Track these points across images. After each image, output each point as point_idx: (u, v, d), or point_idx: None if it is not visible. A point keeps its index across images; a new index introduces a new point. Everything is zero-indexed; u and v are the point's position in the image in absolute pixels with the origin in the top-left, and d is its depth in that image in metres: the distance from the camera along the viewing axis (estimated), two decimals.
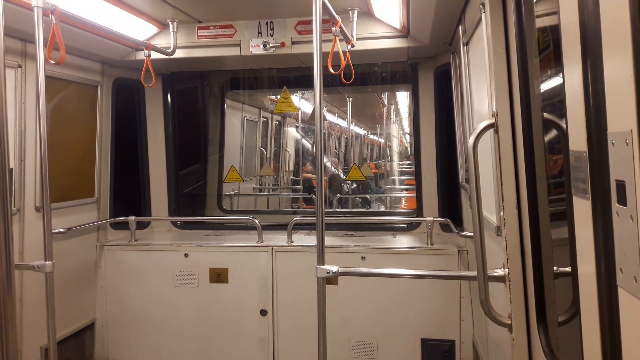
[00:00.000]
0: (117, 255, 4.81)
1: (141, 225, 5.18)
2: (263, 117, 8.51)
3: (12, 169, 3.78)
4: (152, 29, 4.41)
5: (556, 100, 1.82)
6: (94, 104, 4.76)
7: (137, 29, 4.28)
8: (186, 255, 4.64)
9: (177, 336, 4.66)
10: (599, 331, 1.25)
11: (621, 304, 1.12)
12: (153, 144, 5.31)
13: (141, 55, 4.25)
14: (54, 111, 4.26)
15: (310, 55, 2.67)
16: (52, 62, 2.83)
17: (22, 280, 3.93)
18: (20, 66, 3.83)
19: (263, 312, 4.51)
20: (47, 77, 2.92)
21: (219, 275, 4.59)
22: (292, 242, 4.58)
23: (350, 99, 8.87)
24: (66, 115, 4.47)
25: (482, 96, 2.67)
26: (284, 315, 4.50)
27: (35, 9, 2.73)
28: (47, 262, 2.84)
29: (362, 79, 5.76)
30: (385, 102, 10.58)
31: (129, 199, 5.28)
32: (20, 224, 3.94)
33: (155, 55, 4.16)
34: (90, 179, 4.81)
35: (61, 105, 4.38)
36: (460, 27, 3.30)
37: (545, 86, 1.97)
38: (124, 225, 4.94)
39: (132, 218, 4.89)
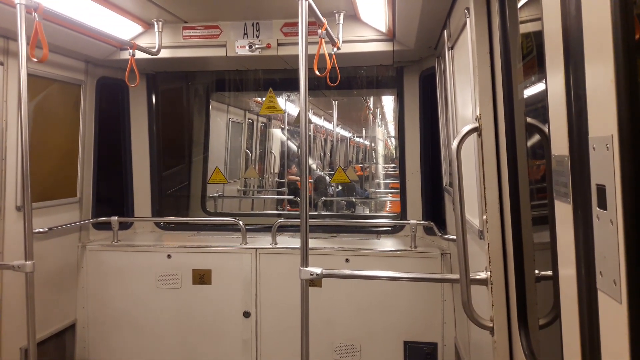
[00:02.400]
0: (99, 256, 4.76)
1: (124, 226, 5.13)
2: (248, 119, 8.49)
3: None
4: (137, 28, 4.38)
5: (539, 105, 1.84)
6: (77, 103, 4.71)
7: (122, 28, 4.24)
8: (169, 256, 4.61)
9: (159, 338, 4.62)
10: (579, 334, 1.27)
11: (601, 307, 1.13)
12: (136, 144, 5.27)
13: (126, 55, 4.21)
14: (36, 110, 4.20)
15: (296, 57, 2.67)
16: (35, 60, 2.79)
17: (2, 280, 3.87)
18: (2, 64, 3.77)
19: (246, 314, 4.49)
20: (30, 75, 2.88)
21: (202, 277, 4.56)
22: (276, 244, 4.57)
23: (336, 102, 8.89)
24: (49, 114, 4.41)
25: (466, 100, 2.70)
26: (267, 317, 4.49)
27: (18, 6, 2.70)
28: (28, 262, 2.81)
29: (348, 82, 5.78)
30: (371, 106, 10.62)
31: (111, 199, 5.23)
32: (1, 223, 3.88)
33: (139, 54, 4.13)
34: (72, 178, 4.75)
35: (44, 103, 4.32)
36: (445, 31, 3.33)
37: (529, 91, 1.99)
38: (107, 226, 4.89)
39: (114, 218, 4.84)
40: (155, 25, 4.26)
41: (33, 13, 2.76)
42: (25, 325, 2.87)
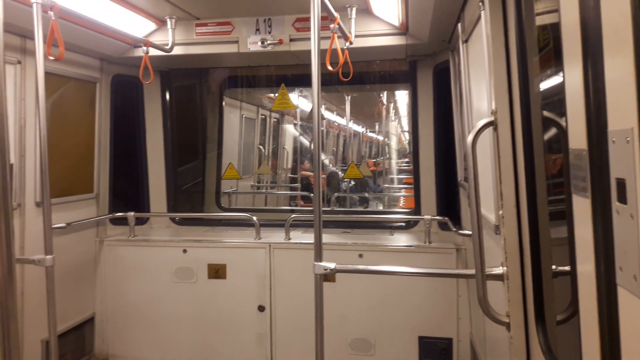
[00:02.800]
0: (116, 251, 4.81)
1: (140, 221, 5.18)
2: (261, 115, 8.51)
3: (12, 164, 3.78)
4: (151, 25, 4.40)
5: (556, 98, 1.82)
6: (92, 100, 4.76)
7: (136, 25, 4.26)
8: (185, 251, 4.65)
9: (175, 331, 4.67)
10: (598, 330, 1.25)
11: (620, 303, 1.12)
12: (151, 141, 5.31)
13: (139, 52, 4.24)
14: (53, 107, 4.25)
15: (308, 52, 2.65)
16: (52, 58, 2.82)
17: (23, 274, 3.94)
18: (19, 62, 3.82)
19: (261, 308, 4.52)
20: (47, 73, 2.92)
21: (217, 271, 4.59)
22: (289, 239, 4.59)
23: (349, 96, 8.87)
24: (65, 112, 4.46)
25: (481, 94, 2.67)
26: (282, 312, 4.51)
27: (34, 5, 2.73)
28: (48, 257, 2.86)
29: (361, 77, 5.75)
30: (384, 100, 10.58)
31: (127, 195, 5.29)
32: (21, 218, 3.94)
33: (153, 52, 4.15)
34: (89, 174, 4.81)
35: (60, 101, 4.37)
36: (459, 24, 3.30)
37: (545, 84, 1.96)
38: (123, 221, 4.94)
39: (131, 214, 4.89)
40: (169, 23, 4.28)
41: (49, 12, 2.79)
42: (46, 318, 2.92)
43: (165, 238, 4.84)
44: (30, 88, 3.92)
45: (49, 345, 2.97)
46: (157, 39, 4.40)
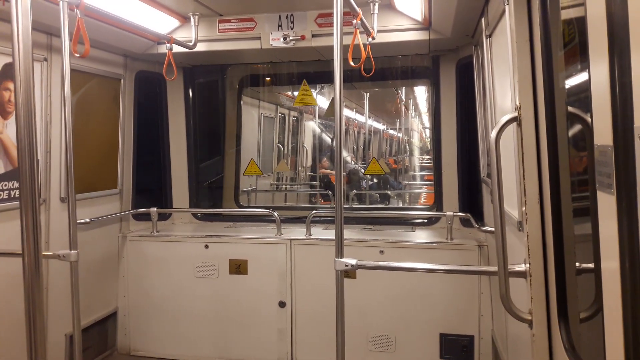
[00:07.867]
0: (139, 246, 4.88)
1: (162, 217, 5.24)
2: (280, 113, 8.53)
3: (38, 160, 3.85)
4: (174, 22, 4.45)
5: (581, 94, 1.79)
6: (117, 96, 4.82)
7: (159, 22, 4.31)
8: (206, 246, 4.69)
9: (197, 326, 4.72)
10: (622, 328, 1.24)
11: None
12: (174, 137, 5.37)
13: (163, 49, 4.29)
14: (78, 104, 4.32)
15: (330, 48, 2.65)
16: (77, 55, 2.87)
17: (47, 269, 4.01)
18: (46, 59, 3.90)
19: (281, 304, 4.54)
20: (72, 70, 2.97)
21: (238, 267, 4.63)
22: (310, 235, 4.60)
23: (367, 93, 8.82)
24: (90, 108, 4.53)
25: (505, 89, 2.65)
26: (303, 308, 4.53)
27: (60, 3, 2.77)
28: (72, 252, 2.89)
29: (382, 72, 5.72)
30: (403, 97, 10.50)
31: (150, 190, 5.36)
32: (46, 214, 4.02)
33: (176, 48, 4.19)
34: (113, 170, 4.88)
35: (85, 97, 4.44)
36: (483, 19, 3.27)
37: (570, 80, 1.94)
38: (146, 217, 5.01)
39: (153, 209, 4.95)
40: (192, 19, 4.31)
41: (75, 10, 2.83)
42: (69, 312, 2.96)
43: (187, 233, 4.90)
44: (56, 85, 3.99)
45: (72, 340, 3.00)
46: (180, 35, 4.44)
